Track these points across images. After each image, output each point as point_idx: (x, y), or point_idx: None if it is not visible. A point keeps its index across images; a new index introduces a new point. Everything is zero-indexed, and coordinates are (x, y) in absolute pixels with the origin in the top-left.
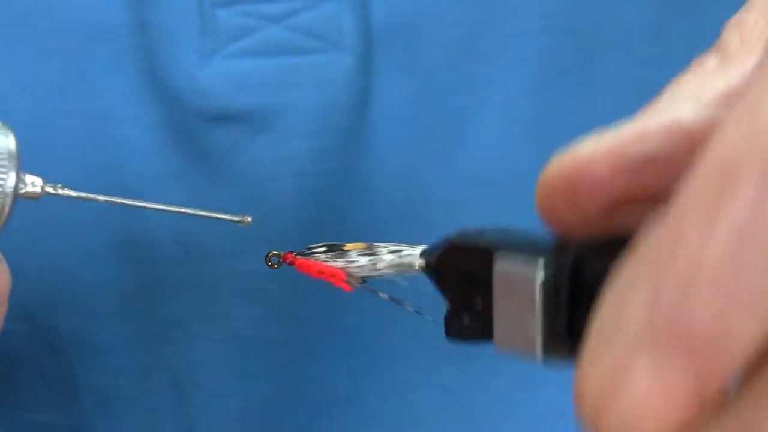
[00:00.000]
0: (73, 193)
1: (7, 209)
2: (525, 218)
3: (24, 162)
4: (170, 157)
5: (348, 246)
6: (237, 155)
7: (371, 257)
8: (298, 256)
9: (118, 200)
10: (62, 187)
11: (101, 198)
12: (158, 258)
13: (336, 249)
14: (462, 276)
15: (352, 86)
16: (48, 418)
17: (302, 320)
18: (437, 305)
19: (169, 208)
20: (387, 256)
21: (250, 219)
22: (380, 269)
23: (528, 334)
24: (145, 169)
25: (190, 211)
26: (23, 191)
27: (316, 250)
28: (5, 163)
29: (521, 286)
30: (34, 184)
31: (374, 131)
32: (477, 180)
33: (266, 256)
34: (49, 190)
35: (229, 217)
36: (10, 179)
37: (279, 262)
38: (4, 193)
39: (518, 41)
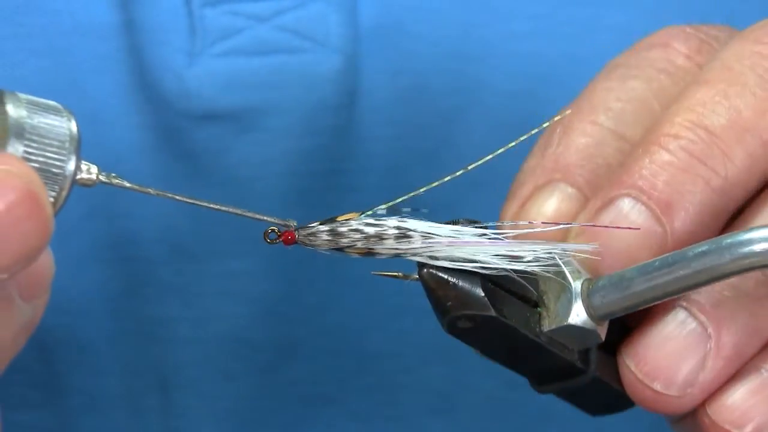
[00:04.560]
0: (126, 183)
1: (65, 193)
2: None
3: None
4: (158, 157)
5: (341, 217)
6: (224, 155)
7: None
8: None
9: (169, 194)
10: (115, 177)
11: (152, 191)
12: (144, 258)
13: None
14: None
15: (339, 86)
16: (34, 418)
17: (287, 320)
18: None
19: (217, 206)
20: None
21: (295, 223)
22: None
23: None
24: (132, 169)
25: (238, 211)
26: (79, 177)
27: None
28: (67, 146)
29: None
30: (89, 171)
31: (362, 131)
32: (465, 181)
33: (265, 232)
34: (103, 178)
35: (274, 220)
36: (71, 164)
37: (276, 238)
38: (64, 176)
39: (506, 44)
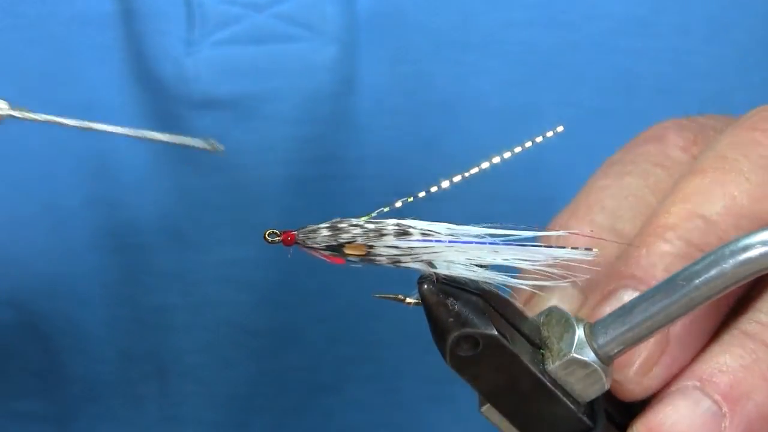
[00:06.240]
0: (38, 117)
1: None
2: (509, 209)
3: (11, 152)
4: (156, 145)
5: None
6: (222, 142)
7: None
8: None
9: (75, 122)
10: (26, 110)
11: (58, 120)
12: (143, 246)
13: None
14: None
15: (336, 74)
16: (34, 406)
17: (286, 307)
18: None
19: (133, 132)
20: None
21: (222, 147)
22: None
23: None
24: (129, 157)
25: (159, 136)
26: None
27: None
28: None
29: None
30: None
31: (360, 120)
32: (463, 170)
33: (265, 233)
34: (15, 113)
35: (198, 143)
36: None
37: (277, 239)
38: None
39: (504, 32)
